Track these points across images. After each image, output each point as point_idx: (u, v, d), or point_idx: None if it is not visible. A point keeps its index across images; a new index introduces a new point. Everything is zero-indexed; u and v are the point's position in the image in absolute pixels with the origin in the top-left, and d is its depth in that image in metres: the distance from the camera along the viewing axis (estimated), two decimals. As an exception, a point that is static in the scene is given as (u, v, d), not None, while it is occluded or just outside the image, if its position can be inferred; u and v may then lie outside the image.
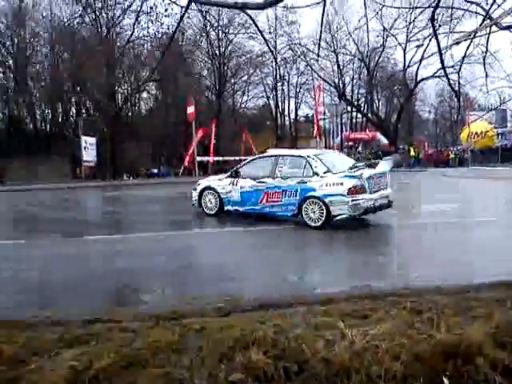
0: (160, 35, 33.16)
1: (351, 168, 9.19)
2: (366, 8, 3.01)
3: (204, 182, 10.96)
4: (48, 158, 32.87)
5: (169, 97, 37.99)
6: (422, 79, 40.07)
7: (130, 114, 40.90)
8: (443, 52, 3.55)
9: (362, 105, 45.04)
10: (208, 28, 37.71)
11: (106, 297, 4.65)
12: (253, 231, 8.40)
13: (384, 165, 9.75)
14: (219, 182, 10.57)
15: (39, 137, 36.19)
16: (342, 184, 8.75)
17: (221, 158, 29.75)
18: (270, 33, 39.27)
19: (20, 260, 6.33)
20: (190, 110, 20.24)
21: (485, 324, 2.84)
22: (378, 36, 38.24)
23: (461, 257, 6.06)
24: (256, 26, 3.98)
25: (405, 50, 39.92)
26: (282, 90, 45.83)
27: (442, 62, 2.99)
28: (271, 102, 46.10)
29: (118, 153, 33.61)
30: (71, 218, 11.16)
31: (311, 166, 9.36)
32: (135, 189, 21.48)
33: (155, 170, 35.85)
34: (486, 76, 4.06)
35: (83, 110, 37.99)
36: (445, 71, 3.40)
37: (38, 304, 4.30)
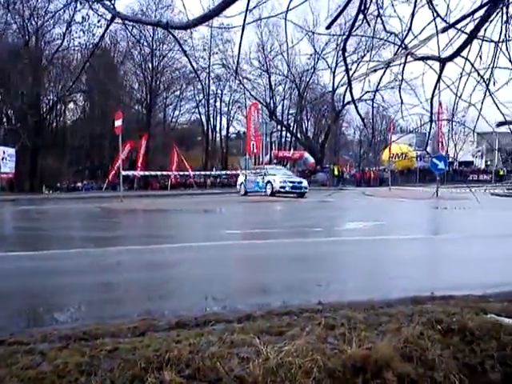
0: (91, 46, 32.37)
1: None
2: (286, 33, 3.08)
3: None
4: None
5: (96, 109, 36.97)
6: (348, 102, 41.84)
7: (54, 124, 39.31)
8: (361, 80, 3.72)
9: (292, 124, 46.16)
10: (141, 41, 37.35)
11: (12, 317, 4.37)
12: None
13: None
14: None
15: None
16: None
17: (148, 173, 29.23)
18: (204, 50, 39.50)
19: None
20: (118, 123, 19.73)
21: (394, 338, 2.95)
22: (309, 58, 39.58)
23: (375, 273, 6.31)
24: (180, 45, 4.03)
25: (334, 73, 41.57)
26: (215, 106, 46.10)
27: (351, 92, 3.12)
28: (203, 117, 46.13)
29: (38, 164, 32.11)
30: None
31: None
32: (55, 203, 20.52)
33: (78, 184, 34.56)
34: (402, 102, 4.29)
35: (4, 120, 36.11)
36: (353, 101, 3.56)
37: None
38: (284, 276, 6.03)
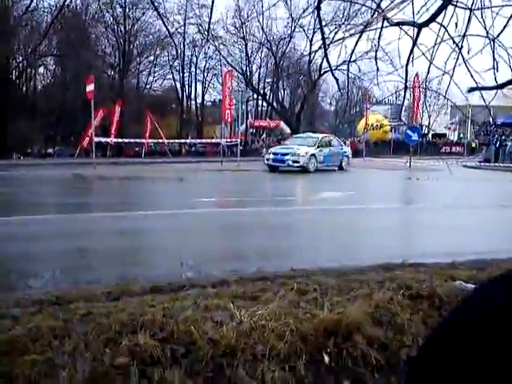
0: (60, 8, 31.08)
1: None
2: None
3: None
4: None
5: (68, 73, 35.88)
6: (325, 71, 41.56)
7: (24, 88, 38.04)
8: (338, 44, 3.68)
9: (268, 93, 45.76)
10: (114, 3, 36.05)
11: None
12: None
13: None
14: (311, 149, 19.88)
15: None
16: None
17: (121, 140, 28.76)
18: (179, 14, 38.42)
19: None
20: (90, 87, 19.23)
21: (364, 303, 3.02)
22: (285, 26, 39.01)
23: (348, 241, 6.43)
24: (155, 8, 3.85)
25: (311, 41, 41.02)
26: (189, 73, 45.14)
27: (326, 55, 3.10)
28: (178, 84, 45.26)
29: (8, 130, 31.18)
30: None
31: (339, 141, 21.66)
32: (26, 169, 20.08)
33: (50, 150, 33.79)
34: (377, 70, 4.29)
35: (-31, 81, 34.72)
36: (329, 65, 3.54)
37: None
38: (258, 243, 6.08)
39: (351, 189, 13.30)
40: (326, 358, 2.65)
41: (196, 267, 4.69)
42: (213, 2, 2.32)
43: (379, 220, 8.13)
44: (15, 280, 4.53)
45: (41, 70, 38.63)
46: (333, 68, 4.04)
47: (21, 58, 35.43)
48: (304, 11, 38.58)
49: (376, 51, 3.87)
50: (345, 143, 27.04)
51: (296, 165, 19.16)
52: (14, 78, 33.86)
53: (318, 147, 20.07)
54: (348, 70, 4.04)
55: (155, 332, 2.58)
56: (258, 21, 37.29)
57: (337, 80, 4.49)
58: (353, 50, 3.17)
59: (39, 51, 32.58)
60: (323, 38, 2.84)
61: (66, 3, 19.08)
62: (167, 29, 28.39)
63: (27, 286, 4.33)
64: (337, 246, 6.03)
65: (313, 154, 19.56)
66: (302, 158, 19.16)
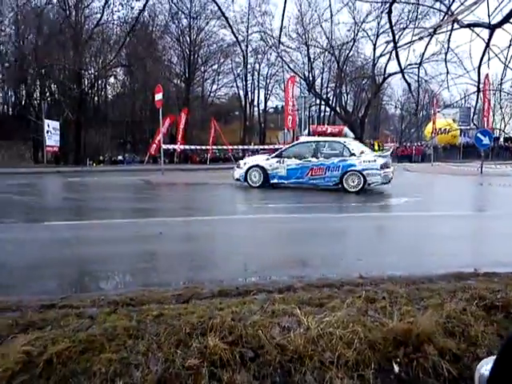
0: (130, 20, 32.56)
1: (377, 151, 13.15)
2: (330, 1, 3.03)
3: (249, 161, 14.26)
4: (9, 143, 31.94)
5: (137, 83, 37.38)
6: (390, 74, 40.74)
7: (96, 98, 40.07)
8: (406, 48, 3.61)
9: (331, 98, 45.42)
10: (179, 14, 37.26)
11: (65, 283, 4.58)
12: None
13: (388, 152, 14.44)
14: (266, 161, 13.83)
15: (0, 120, 35.08)
16: (375, 161, 12.82)
17: (188, 147, 29.54)
18: (242, 22, 39.09)
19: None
20: (158, 97, 19.93)
21: (436, 313, 2.94)
22: (348, 30, 38.63)
23: (417, 248, 6.24)
24: (223, 14, 4.04)
25: (375, 45, 40.50)
26: (252, 80, 45.80)
27: (397, 57, 3.04)
28: (241, 92, 45.97)
29: (81, 138, 32.91)
30: (31, 204, 10.91)
31: (349, 149, 13.21)
32: (99, 175, 21.12)
33: (120, 157, 35.30)
34: (447, 73, 4.16)
35: (47, 93, 36.99)
36: (400, 68, 3.46)
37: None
38: (323, 250, 6.04)
39: (418, 195, 12.91)
40: (396, 368, 2.59)
41: (260, 272, 4.72)
42: (284, 10, 2.36)
43: (449, 227, 7.84)
44: (89, 281, 4.77)
45: (111, 80, 40.51)
46: (398, 71, 3.97)
47: (92, 70, 37.36)
48: (367, 15, 38.10)
49: (446, 54, 3.77)
50: (371, 149, 18.24)
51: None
52: (86, 89, 35.65)
53: (278, 157, 13.91)
54: (418, 72, 3.95)
55: (224, 335, 2.63)
56: (321, 26, 37.16)
57: (409, 84, 4.39)
58: (423, 53, 3.11)
59: (109, 62, 34.18)
60: (394, 42, 2.80)
61: (139, 17, 19.69)
62: (235, 36, 28.97)
63: (101, 286, 4.56)
64: (404, 254, 5.87)
65: (256, 166, 13.99)
66: (236, 172, 14.50)
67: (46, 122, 28.51)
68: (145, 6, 13.18)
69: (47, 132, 28.26)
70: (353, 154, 13.01)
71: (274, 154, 14.15)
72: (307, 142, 14.24)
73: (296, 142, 15.26)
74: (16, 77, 34.08)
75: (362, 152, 13.22)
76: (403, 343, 2.67)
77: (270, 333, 2.65)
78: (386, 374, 2.57)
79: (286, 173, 13.54)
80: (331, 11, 3.91)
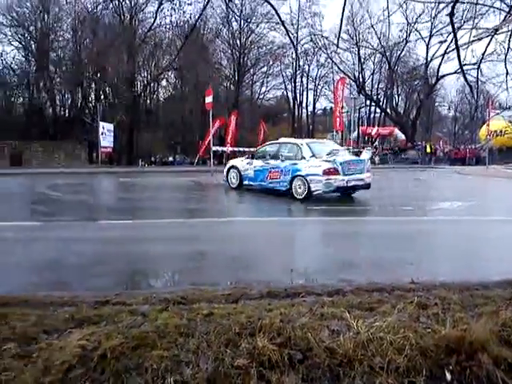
0: (182, 23, 33.20)
1: (328, 154, 11.29)
2: (388, 2, 2.99)
3: (230, 162, 13.89)
4: (65, 143, 33.26)
5: (187, 85, 38.05)
6: (444, 75, 39.62)
7: (148, 101, 41.09)
8: (464, 48, 3.52)
9: (381, 99, 44.62)
10: (230, 17, 37.65)
11: (118, 280, 4.73)
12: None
13: (364, 154, 12.87)
14: (241, 162, 13.31)
15: (58, 121, 36.62)
16: (319, 166, 11.08)
17: (236, 149, 29.76)
18: (292, 24, 39.04)
19: (34, 242, 6.42)
20: (209, 99, 20.20)
21: (490, 321, 2.84)
22: (401, 30, 37.84)
23: (471, 254, 6.04)
24: (278, 15, 4.01)
25: (427, 45, 39.48)
26: (301, 82, 45.64)
27: (459, 58, 2.96)
28: (289, 93, 45.93)
29: (134, 139, 33.82)
30: (87, 203, 11.32)
31: (301, 151, 11.71)
32: (150, 176, 21.66)
33: (170, 158, 36.04)
34: (507, 74, 4.02)
35: (102, 96, 38.27)
36: (462, 68, 3.37)
37: (50, 285, 4.38)
38: (374, 254, 5.95)
39: (473, 199, 12.48)
40: (448, 376, 2.53)
41: (307, 274, 4.71)
42: (343, 11, 2.36)
43: (504, 232, 7.54)
44: (141, 279, 4.91)
45: (163, 83, 41.42)
46: (452, 73, 3.86)
47: (145, 73, 38.35)
48: (420, 15, 37.19)
49: (506, 54, 3.65)
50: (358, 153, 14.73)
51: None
52: (139, 92, 36.62)
53: (251, 158, 13.18)
54: (477, 73, 3.83)
55: (273, 336, 2.65)
56: (372, 27, 36.58)
57: (470, 86, 4.27)
58: (483, 53, 3.01)
59: (164, 68, 34.95)
60: (456, 42, 2.74)
61: (196, 24, 20.03)
62: (290, 38, 28.96)
63: (150, 285, 4.68)
64: (458, 259, 5.70)
65: (233, 167, 13.53)
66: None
67: (101, 123, 29.47)
68: (201, 14, 13.43)
69: (102, 133, 29.20)
70: (303, 158, 11.44)
71: (250, 155, 13.43)
72: (273, 144, 13.14)
73: (267, 143, 14.03)
74: (73, 80, 35.48)
75: (313, 155, 11.31)
76: (456, 351, 2.60)
77: (318, 335, 2.64)
78: (438, 381, 2.51)
79: (254, 174, 12.61)
80: (388, 12, 3.85)
